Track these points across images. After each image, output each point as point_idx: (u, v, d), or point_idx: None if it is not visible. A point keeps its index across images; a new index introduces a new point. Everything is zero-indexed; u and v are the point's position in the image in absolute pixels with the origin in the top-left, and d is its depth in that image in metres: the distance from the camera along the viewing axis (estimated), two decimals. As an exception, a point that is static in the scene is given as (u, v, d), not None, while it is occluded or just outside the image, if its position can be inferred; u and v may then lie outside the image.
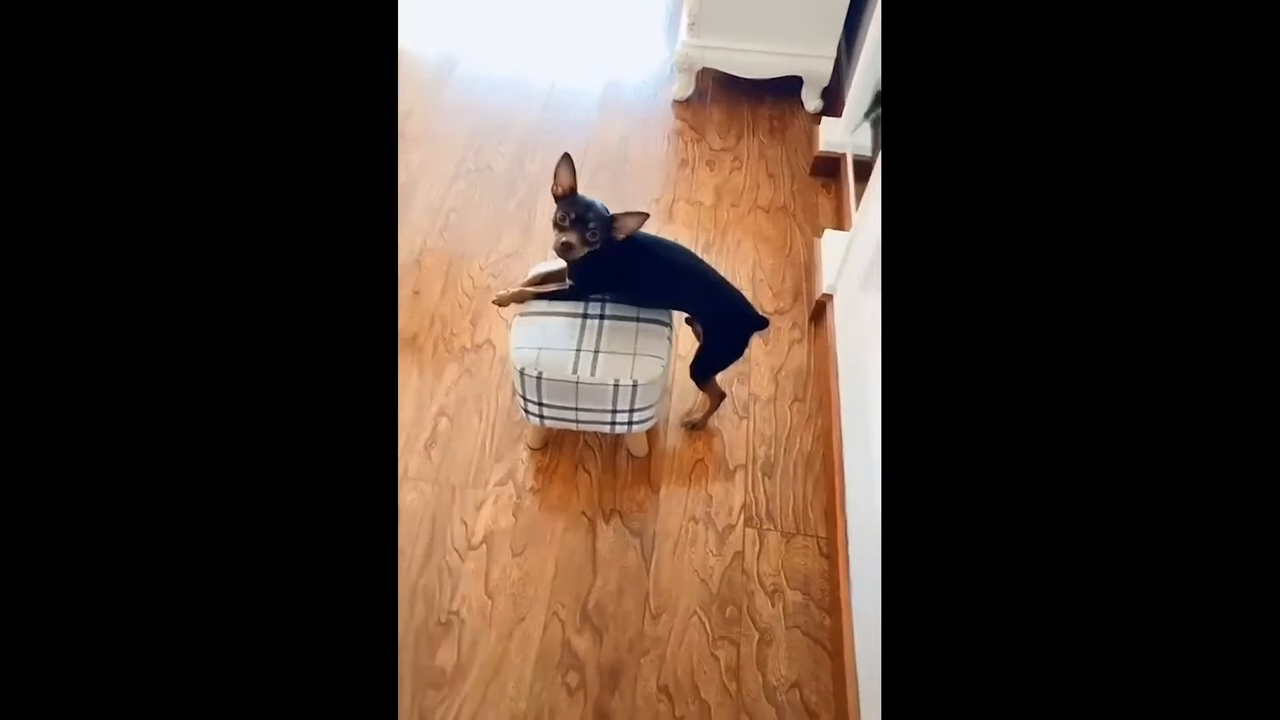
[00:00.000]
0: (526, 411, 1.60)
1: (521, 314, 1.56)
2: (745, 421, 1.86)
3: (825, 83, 2.63)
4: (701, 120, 2.67)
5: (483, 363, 1.94)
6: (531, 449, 1.77)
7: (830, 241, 2.11)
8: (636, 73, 2.87)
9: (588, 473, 1.74)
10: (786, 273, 2.21)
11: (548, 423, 1.62)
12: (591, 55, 2.92)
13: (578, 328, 1.52)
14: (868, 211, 1.73)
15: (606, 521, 1.67)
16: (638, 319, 1.55)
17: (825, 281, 2.02)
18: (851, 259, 1.84)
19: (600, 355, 1.49)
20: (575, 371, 1.47)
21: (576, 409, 1.55)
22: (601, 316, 1.54)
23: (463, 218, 2.30)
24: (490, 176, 2.43)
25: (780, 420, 1.87)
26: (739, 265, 2.22)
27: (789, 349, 2.02)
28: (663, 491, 1.72)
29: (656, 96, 2.76)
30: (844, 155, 2.42)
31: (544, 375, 1.48)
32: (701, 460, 1.79)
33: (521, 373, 1.49)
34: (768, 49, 2.56)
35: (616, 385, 1.48)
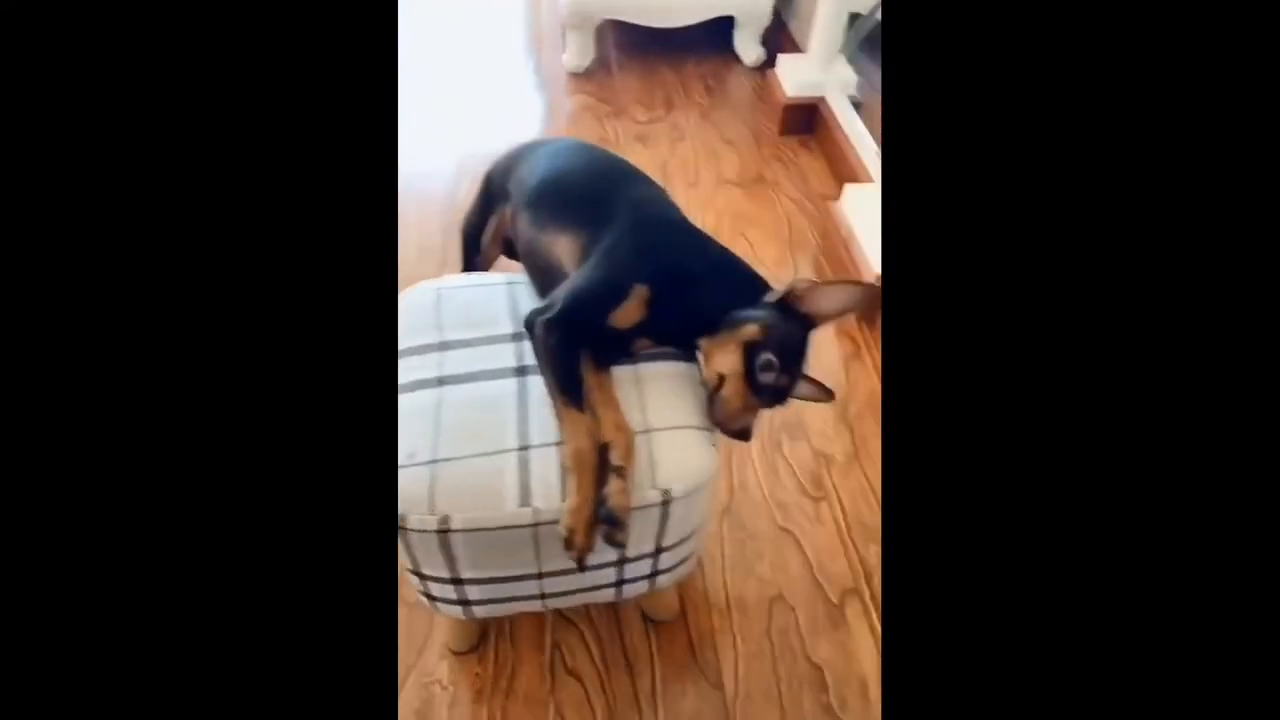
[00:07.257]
0: (431, 597, 0.74)
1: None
2: (823, 504, 1.07)
3: (767, 21, 1.98)
4: (612, 93, 1.94)
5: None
6: (455, 653, 0.89)
7: (856, 201, 1.40)
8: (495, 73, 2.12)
9: (577, 679, 0.89)
10: (796, 260, 1.48)
11: (479, 611, 0.76)
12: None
13: (513, 392, 0.69)
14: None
15: (639, 781, 0.82)
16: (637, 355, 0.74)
17: (872, 260, 1.29)
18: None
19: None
20: (525, 502, 0.64)
21: (539, 575, 0.71)
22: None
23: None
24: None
25: (880, 491, 1.10)
26: (726, 262, 1.46)
27: (845, 369, 1.27)
28: (731, 688, 0.89)
29: (540, 81, 2.02)
30: (821, 101, 1.75)
31: (454, 525, 0.64)
32: (779, 597, 0.97)
33: (403, 528, 0.64)
34: (684, -15, 1.88)
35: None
